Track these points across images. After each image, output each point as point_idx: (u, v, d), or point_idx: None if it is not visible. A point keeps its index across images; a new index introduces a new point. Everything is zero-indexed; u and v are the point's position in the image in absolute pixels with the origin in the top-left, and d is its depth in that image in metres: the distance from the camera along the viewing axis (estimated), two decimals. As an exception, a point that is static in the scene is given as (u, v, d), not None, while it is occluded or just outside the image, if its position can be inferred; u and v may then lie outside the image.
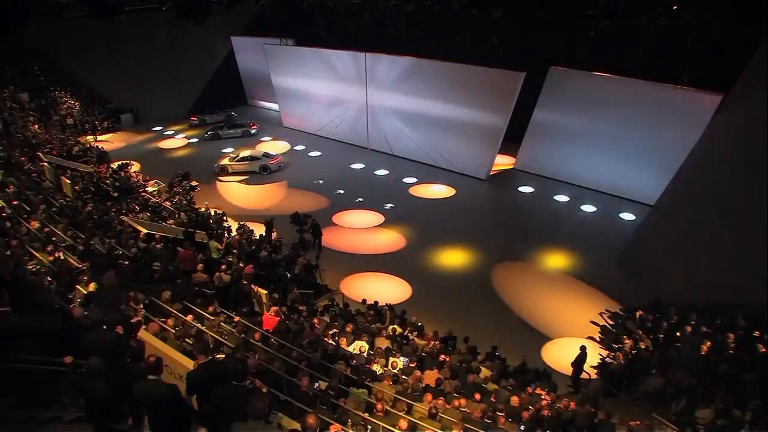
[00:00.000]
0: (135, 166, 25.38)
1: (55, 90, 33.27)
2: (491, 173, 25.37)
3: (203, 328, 8.85)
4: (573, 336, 14.13)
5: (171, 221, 17.56)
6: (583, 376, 12.42)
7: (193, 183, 22.99)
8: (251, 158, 26.21)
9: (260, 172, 25.94)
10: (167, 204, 20.30)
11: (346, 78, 28.81)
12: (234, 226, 18.88)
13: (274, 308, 11.59)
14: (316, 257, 18.00)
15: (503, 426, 8.53)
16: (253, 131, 32.48)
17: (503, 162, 26.37)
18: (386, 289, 16.44)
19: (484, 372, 11.07)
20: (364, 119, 29.10)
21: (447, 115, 25.30)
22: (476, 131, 24.35)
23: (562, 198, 23.02)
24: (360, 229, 20.71)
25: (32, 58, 33.89)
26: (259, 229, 18.75)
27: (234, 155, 26.82)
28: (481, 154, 24.75)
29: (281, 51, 32.15)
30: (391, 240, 19.83)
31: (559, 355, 13.84)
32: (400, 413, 7.75)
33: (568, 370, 12.68)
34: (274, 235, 18.20)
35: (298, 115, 33.13)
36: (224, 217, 19.56)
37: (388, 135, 28.42)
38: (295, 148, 30.21)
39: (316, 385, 8.01)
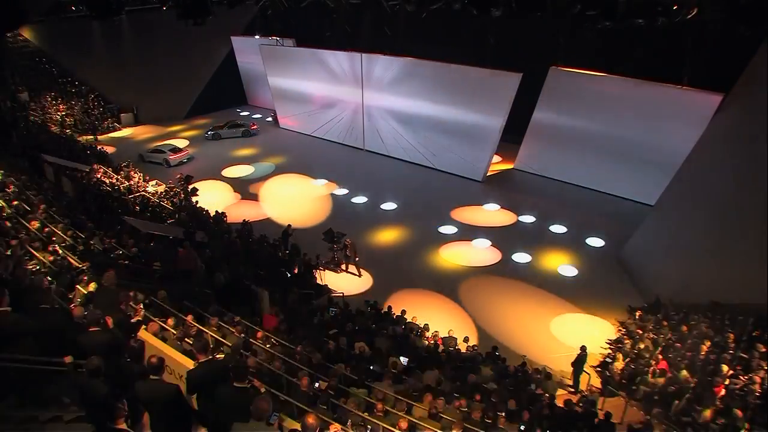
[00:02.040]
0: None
1: (54, 90, 33.29)
2: (490, 173, 25.37)
3: (203, 328, 8.85)
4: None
5: (171, 221, 17.58)
6: (583, 376, 12.42)
7: (193, 187, 22.95)
8: (159, 151, 27.96)
9: (163, 164, 27.24)
10: (167, 204, 20.32)
11: (342, 79, 28.75)
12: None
13: (274, 308, 11.60)
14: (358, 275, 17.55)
15: (503, 426, 8.52)
16: (253, 131, 32.50)
17: (501, 162, 26.41)
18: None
19: (485, 372, 11.07)
20: (360, 120, 29.07)
21: (443, 117, 25.21)
22: (472, 132, 24.27)
23: (560, 200, 23.00)
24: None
25: (32, 58, 33.91)
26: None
27: (151, 147, 28.82)
28: (478, 156, 24.63)
29: (277, 51, 32.10)
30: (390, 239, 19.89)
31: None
32: (400, 413, 7.75)
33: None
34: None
35: (294, 116, 33.10)
36: (225, 217, 19.59)
37: (384, 136, 28.39)
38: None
39: (316, 385, 8.01)
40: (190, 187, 22.59)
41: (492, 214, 22.00)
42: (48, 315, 5.97)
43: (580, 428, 9.13)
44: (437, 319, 14.43)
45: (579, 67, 22.13)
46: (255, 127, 32.72)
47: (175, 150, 28.10)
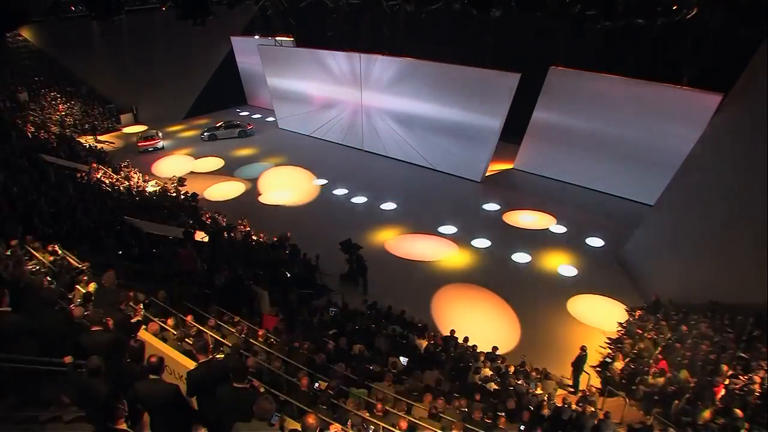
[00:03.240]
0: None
1: (54, 90, 33.27)
2: (489, 174, 25.33)
3: (203, 328, 8.85)
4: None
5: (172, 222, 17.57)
6: (583, 376, 12.42)
7: (193, 192, 22.86)
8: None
9: (136, 148, 29.69)
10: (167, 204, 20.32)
11: (341, 79, 28.74)
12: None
13: (275, 308, 11.60)
14: (363, 291, 16.51)
15: (503, 426, 8.52)
16: (250, 131, 32.43)
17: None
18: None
19: (485, 372, 11.07)
20: (359, 120, 29.05)
21: (442, 117, 25.16)
22: (471, 133, 24.23)
23: (560, 200, 22.99)
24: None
25: (32, 58, 33.87)
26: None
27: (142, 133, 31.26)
28: (476, 156, 24.59)
29: (276, 51, 32.05)
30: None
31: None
32: (400, 413, 7.75)
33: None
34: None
35: (293, 116, 33.08)
36: (223, 217, 19.59)
37: (382, 136, 28.36)
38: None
39: (316, 385, 8.01)
40: (188, 191, 22.55)
41: (492, 214, 22.02)
42: (48, 315, 5.96)
43: (579, 428, 9.13)
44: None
45: (579, 67, 22.12)
46: (251, 127, 32.67)
47: (147, 138, 29.76)
